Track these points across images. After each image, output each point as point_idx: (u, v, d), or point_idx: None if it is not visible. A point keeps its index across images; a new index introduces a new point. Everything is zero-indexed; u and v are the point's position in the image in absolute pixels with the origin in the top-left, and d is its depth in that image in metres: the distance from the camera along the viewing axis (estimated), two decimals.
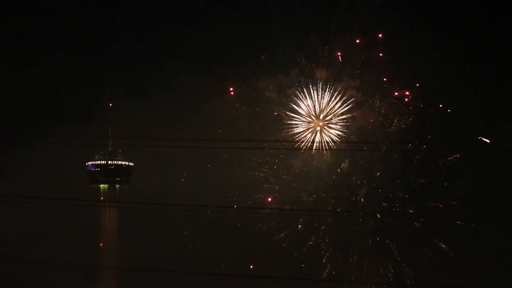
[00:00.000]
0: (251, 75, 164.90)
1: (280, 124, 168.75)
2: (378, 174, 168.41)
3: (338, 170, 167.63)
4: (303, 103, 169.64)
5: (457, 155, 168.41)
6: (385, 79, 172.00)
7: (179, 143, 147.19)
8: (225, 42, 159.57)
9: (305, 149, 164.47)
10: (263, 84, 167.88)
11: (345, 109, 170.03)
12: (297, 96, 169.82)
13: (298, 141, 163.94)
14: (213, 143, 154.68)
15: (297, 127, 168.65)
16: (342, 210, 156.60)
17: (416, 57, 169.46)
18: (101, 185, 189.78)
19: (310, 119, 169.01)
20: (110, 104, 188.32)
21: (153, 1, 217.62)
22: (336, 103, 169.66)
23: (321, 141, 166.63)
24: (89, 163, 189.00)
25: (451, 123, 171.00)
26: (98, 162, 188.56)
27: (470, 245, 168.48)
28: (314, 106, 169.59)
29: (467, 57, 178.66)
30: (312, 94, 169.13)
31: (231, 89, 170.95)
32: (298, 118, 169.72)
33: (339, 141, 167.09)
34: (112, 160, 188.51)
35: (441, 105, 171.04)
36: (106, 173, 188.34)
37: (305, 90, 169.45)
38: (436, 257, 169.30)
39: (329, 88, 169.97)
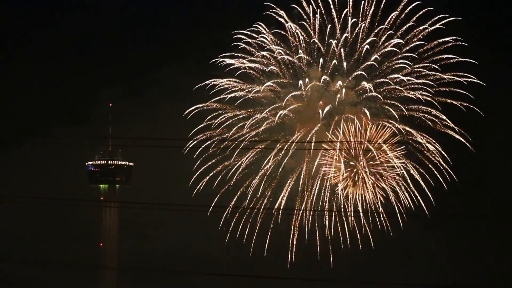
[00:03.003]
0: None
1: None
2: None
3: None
4: None
5: None
6: None
7: (178, 143, 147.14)
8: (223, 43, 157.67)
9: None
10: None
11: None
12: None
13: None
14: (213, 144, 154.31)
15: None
16: (339, 210, 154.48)
17: None
18: (101, 185, 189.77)
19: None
20: (110, 104, 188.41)
21: (152, 3, 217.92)
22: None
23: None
24: (89, 163, 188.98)
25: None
26: (98, 162, 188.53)
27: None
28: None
29: None
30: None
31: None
32: None
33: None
34: (112, 160, 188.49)
35: None
36: (106, 173, 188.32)
37: None
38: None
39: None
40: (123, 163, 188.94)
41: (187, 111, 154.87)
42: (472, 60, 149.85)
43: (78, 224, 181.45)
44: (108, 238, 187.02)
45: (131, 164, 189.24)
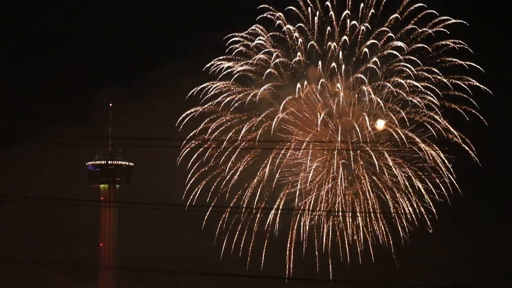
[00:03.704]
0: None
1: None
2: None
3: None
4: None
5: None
6: None
7: (178, 143, 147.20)
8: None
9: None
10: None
11: None
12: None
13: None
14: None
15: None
16: (337, 210, 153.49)
17: None
18: (101, 185, 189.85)
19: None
20: (110, 104, 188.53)
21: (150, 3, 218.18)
22: None
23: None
24: (89, 163, 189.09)
25: None
26: (98, 162, 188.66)
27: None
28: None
29: None
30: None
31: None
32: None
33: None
34: (112, 160, 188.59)
35: None
36: (106, 173, 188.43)
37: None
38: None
39: None
40: (123, 163, 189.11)
41: (180, 118, 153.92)
42: (474, 65, 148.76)
43: (78, 224, 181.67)
44: (108, 238, 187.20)
45: (131, 164, 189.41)
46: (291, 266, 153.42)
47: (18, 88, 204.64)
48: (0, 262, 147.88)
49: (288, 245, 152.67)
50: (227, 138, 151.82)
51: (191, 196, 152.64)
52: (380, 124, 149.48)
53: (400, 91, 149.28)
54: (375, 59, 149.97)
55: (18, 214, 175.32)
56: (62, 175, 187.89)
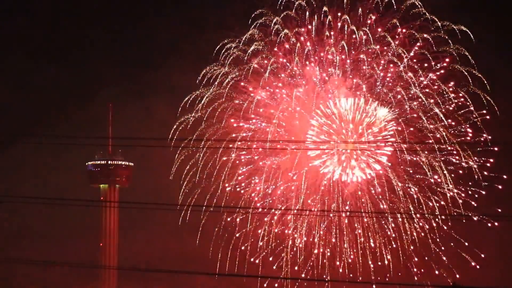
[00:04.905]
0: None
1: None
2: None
3: None
4: None
5: None
6: None
7: (179, 143, 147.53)
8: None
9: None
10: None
11: None
12: None
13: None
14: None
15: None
16: (336, 210, 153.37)
17: None
18: (101, 185, 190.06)
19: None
20: (110, 104, 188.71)
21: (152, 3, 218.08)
22: None
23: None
24: (89, 163, 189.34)
25: None
26: (98, 162, 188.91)
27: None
28: None
29: None
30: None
31: None
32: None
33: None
34: (112, 160, 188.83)
35: None
36: (106, 173, 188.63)
37: None
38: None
39: None
40: (123, 163, 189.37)
41: (176, 124, 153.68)
42: (475, 71, 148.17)
43: (78, 224, 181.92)
44: (108, 238, 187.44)
45: (131, 164, 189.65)
46: (289, 269, 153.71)
47: (17, 88, 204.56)
48: (0, 262, 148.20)
49: (286, 246, 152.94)
50: (224, 141, 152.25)
51: (189, 199, 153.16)
52: (382, 113, 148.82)
53: (399, 97, 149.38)
54: (373, 64, 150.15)
55: (18, 214, 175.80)
56: (62, 175, 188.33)
